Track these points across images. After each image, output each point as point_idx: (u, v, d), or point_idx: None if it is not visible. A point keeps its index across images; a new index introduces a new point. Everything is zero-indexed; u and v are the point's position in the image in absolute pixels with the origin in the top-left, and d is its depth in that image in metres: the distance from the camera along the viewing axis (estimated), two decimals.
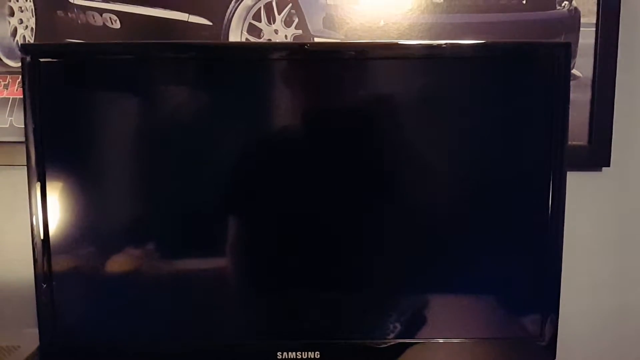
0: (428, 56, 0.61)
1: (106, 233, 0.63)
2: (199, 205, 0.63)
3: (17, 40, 0.79)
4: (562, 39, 0.79)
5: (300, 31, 0.78)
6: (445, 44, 0.60)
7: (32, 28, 0.79)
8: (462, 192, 0.64)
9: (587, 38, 0.79)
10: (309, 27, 0.78)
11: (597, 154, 0.81)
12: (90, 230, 0.62)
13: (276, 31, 0.78)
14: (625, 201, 0.85)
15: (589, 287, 0.86)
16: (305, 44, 0.62)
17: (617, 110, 0.80)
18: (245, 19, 0.78)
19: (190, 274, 0.63)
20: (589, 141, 0.81)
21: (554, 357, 0.64)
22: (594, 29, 0.79)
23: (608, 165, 0.82)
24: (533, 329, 0.64)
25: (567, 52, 0.60)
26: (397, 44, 0.64)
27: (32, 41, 0.78)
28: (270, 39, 0.78)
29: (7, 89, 0.80)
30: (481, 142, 0.63)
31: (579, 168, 0.81)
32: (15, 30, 0.79)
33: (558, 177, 0.61)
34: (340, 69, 0.61)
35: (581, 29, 0.79)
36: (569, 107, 0.60)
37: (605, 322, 0.87)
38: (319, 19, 0.78)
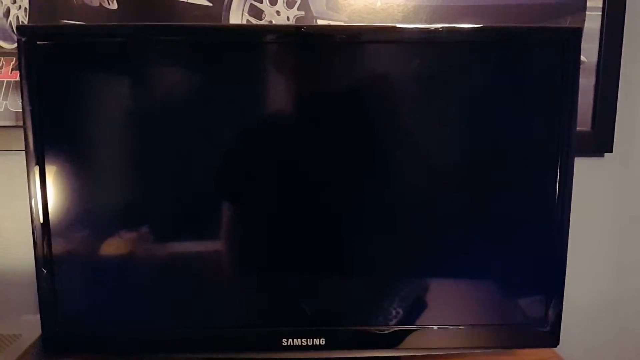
0: (428, 40, 0.60)
1: (108, 216, 0.61)
2: (201, 189, 0.62)
3: (11, 21, 0.77)
4: (567, 23, 0.78)
5: (302, 12, 0.76)
6: (442, 27, 0.59)
7: (25, 8, 0.76)
8: (466, 177, 0.63)
9: (592, 22, 0.78)
10: (312, 9, 0.76)
11: (600, 140, 0.81)
12: (91, 213, 0.61)
13: (278, 12, 0.76)
14: (627, 187, 0.85)
15: (591, 272, 0.86)
16: (302, 26, 0.60)
17: (621, 96, 0.80)
18: (246, 0, 0.76)
19: (193, 259, 0.63)
20: (592, 127, 0.81)
21: (557, 343, 0.64)
22: (600, 13, 0.78)
23: (611, 151, 0.82)
24: (537, 315, 0.64)
25: (577, 37, 0.59)
26: (396, 28, 0.62)
27: (25, 22, 0.76)
28: (271, 21, 0.76)
29: (0, 71, 0.78)
30: (486, 126, 0.62)
31: (582, 154, 0.81)
32: (8, 10, 0.77)
33: (565, 163, 0.61)
34: (337, 52, 0.60)
35: (587, 12, 0.78)
36: (577, 94, 0.60)
37: (607, 307, 0.88)
38: (322, 0, 0.76)
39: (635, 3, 0.79)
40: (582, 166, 0.80)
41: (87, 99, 0.59)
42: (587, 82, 0.79)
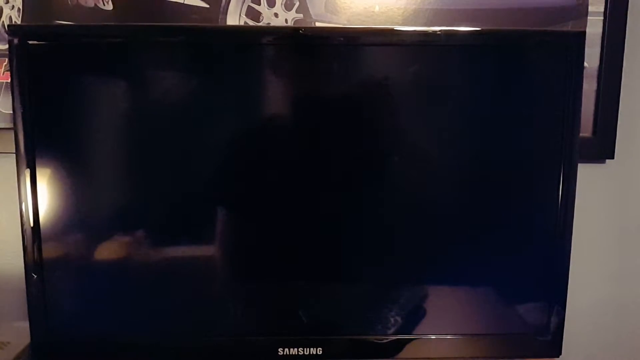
0: (428, 43, 0.59)
1: (100, 220, 0.60)
2: (196, 193, 0.61)
3: (3, 21, 0.76)
4: (569, 28, 0.77)
5: (301, 15, 0.75)
6: (441, 30, 0.58)
7: (19, 8, 0.75)
8: (466, 183, 0.62)
9: (594, 27, 0.77)
10: (310, 11, 0.75)
11: (601, 146, 0.80)
12: (83, 217, 0.60)
13: (276, 14, 0.76)
14: (628, 193, 0.84)
15: (592, 279, 0.85)
16: (299, 28, 0.60)
17: (622, 102, 0.79)
18: (244, 2, 0.75)
19: (188, 267, 0.61)
20: (594, 133, 0.80)
21: (560, 353, 0.63)
22: (602, 18, 0.77)
23: (612, 157, 0.81)
24: (538, 324, 0.63)
25: (580, 41, 0.58)
26: (394, 30, 0.61)
27: (19, 22, 0.75)
28: (269, 23, 0.75)
29: None
30: (487, 131, 0.61)
31: (583, 160, 0.79)
32: (1, 10, 0.76)
33: (567, 169, 0.60)
34: (336, 54, 0.59)
35: (589, 17, 0.77)
36: (581, 99, 0.59)
37: (610, 315, 0.87)
38: (321, 2, 0.75)
39: (637, 8, 0.78)
40: (584, 172, 0.78)
41: (79, 100, 0.58)
42: (588, 88, 0.78)
